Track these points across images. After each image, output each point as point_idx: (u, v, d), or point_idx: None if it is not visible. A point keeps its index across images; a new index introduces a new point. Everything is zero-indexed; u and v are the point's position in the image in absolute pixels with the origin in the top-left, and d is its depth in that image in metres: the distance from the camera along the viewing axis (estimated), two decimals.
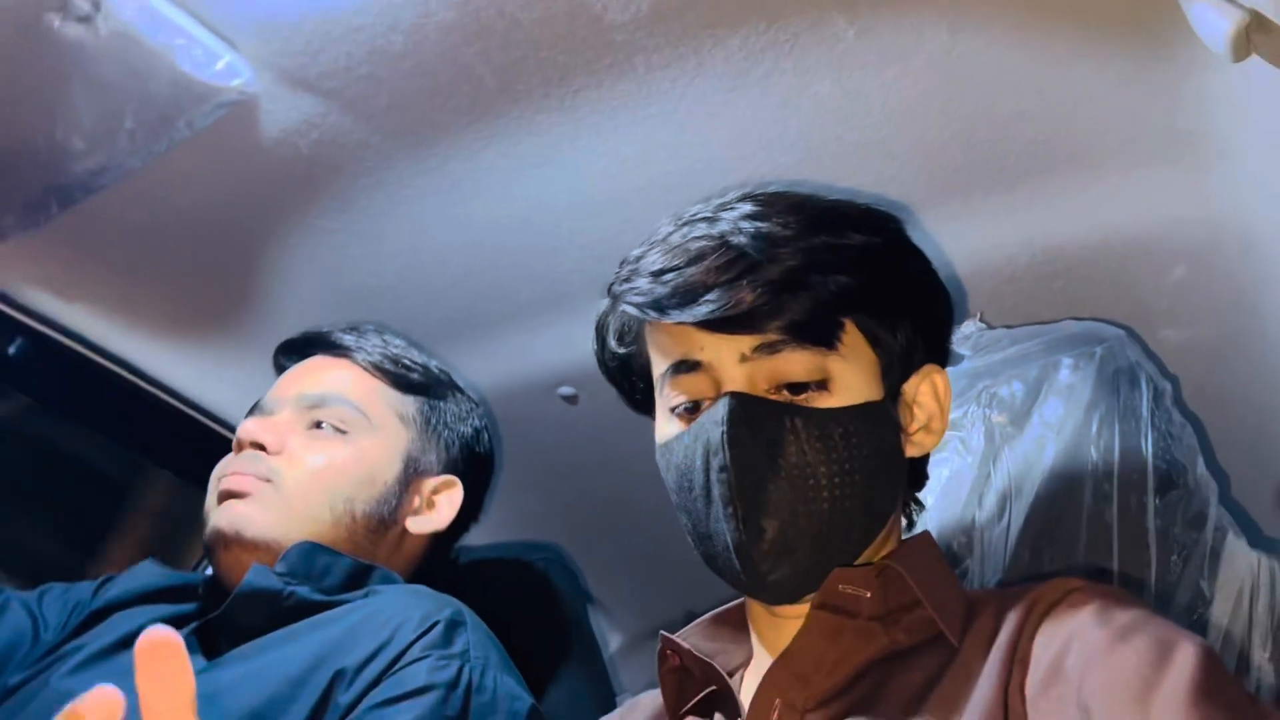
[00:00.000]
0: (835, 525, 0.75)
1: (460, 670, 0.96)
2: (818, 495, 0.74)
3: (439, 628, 0.98)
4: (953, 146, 1.02)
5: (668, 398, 0.81)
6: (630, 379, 0.88)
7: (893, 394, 0.80)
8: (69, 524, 1.56)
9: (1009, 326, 1.11)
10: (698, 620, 0.88)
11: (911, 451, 0.82)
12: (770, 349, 0.76)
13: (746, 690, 0.81)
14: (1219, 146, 0.95)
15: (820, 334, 0.76)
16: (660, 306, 0.77)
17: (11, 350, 1.37)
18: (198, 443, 1.43)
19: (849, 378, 0.77)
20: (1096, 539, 0.95)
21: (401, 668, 0.95)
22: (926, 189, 1.06)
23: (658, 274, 0.78)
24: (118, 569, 1.21)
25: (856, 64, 0.96)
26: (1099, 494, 0.97)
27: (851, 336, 0.78)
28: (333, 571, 1.06)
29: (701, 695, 0.84)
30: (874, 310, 0.79)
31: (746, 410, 0.75)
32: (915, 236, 0.87)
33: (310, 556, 1.06)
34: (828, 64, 0.96)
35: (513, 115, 1.06)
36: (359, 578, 1.08)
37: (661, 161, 1.09)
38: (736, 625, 0.87)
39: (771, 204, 0.81)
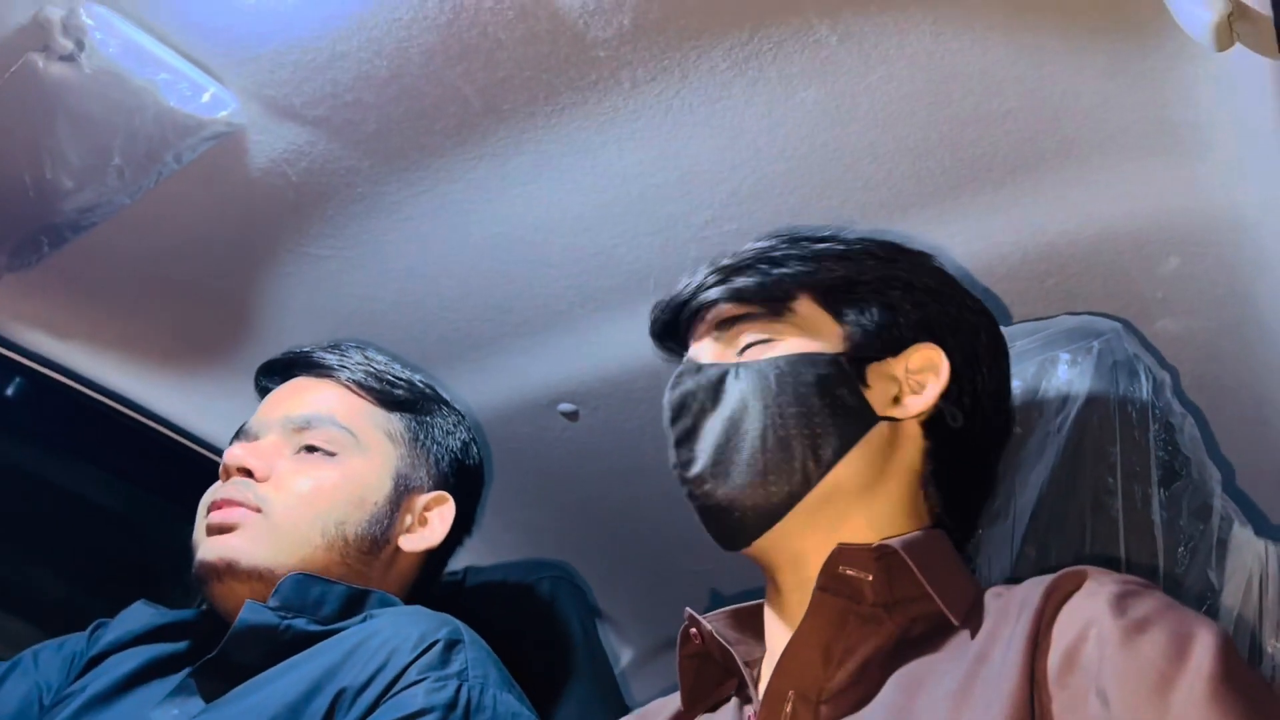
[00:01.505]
0: (770, 457, 0.81)
1: (458, 690, 0.95)
2: (753, 426, 0.82)
3: (436, 648, 0.97)
4: (940, 147, 1.02)
5: None
6: None
7: (858, 358, 0.86)
8: (70, 561, 1.55)
9: (1004, 325, 1.11)
10: (718, 611, 0.90)
11: (894, 412, 0.85)
12: (729, 324, 0.90)
13: (763, 684, 0.81)
14: (1207, 136, 0.95)
15: (766, 303, 0.88)
16: (658, 311, 0.94)
17: (9, 390, 1.37)
18: (197, 475, 1.42)
19: (798, 338, 0.87)
20: (1102, 533, 0.95)
21: (399, 691, 0.94)
22: (915, 191, 1.06)
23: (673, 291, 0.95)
24: (120, 604, 1.20)
25: (841, 69, 0.96)
26: (1103, 488, 0.96)
27: (806, 309, 0.88)
28: (328, 600, 1.05)
29: (718, 695, 0.86)
30: (836, 290, 0.88)
31: (695, 365, 0.88)
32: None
33: (303, 587, 1.03)
34: (812, 70, 0.97)
35: (500, 134, 1.07)
36: (355, 603, 1.06)
37: (651, 174, 1.09)
38: (753, 624, 0.88)
39: (795, 235, 0.93)
